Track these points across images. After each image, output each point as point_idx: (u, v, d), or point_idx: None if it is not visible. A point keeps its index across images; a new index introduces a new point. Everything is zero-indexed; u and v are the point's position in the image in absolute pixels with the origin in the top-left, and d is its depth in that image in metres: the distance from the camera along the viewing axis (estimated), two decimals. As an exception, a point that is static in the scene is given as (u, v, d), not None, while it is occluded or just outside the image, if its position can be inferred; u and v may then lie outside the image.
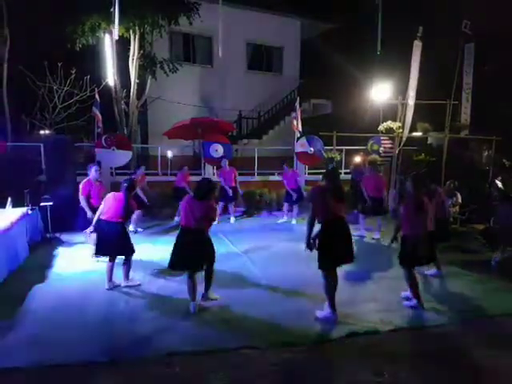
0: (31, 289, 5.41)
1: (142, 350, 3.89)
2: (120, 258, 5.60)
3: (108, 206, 5.43)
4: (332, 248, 4.50)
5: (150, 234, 8.85)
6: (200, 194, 4.75)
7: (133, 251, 5.58)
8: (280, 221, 10.22)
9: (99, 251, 5.50)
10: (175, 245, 4.80)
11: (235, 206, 10.58)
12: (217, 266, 5.90)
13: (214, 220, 4.89)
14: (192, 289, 4.78)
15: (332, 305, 4.57)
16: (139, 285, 5.63)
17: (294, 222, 10.08)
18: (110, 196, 5.52)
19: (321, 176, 4.98)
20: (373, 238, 8.55)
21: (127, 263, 5.58)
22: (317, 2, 17.35)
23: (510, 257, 6.85)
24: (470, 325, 4.59)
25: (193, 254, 4.71)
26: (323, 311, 4.61)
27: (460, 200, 9.47)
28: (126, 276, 5.61)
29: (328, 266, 4.55)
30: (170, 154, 10.68)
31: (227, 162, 10.15)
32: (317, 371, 3.61)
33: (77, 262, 6.66)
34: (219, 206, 10.02)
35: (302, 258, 6.96)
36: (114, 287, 5.50)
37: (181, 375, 3.52)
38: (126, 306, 4.96)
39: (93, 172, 6.88)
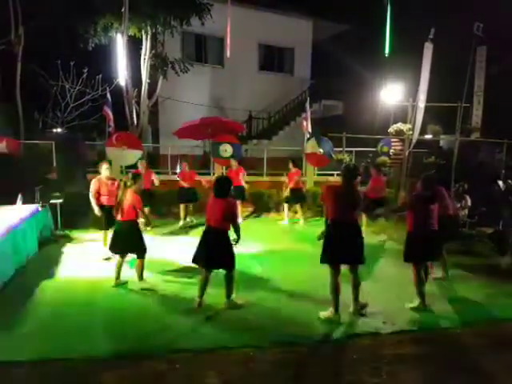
0: (39, 284, 5.49)
1: (143, 346, 3.94)
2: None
3: (122, 205, 5.44)
4: (331, 246, 4.59)
5: (156, 233, 8.90)
6: (217, 191, 4.79)
7: (145, 250, 5.55)
8: (282, 222, 10.18)
9: (112, 248, 5.56)
10: (199, 241, 4.89)
11: (243, 207, 10.56)
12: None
13: (234, 219, 4.83)
14: (202, 286, 4.86)
15: (334, 305, 4.58)
16: (152, 289, 5.49)
17: (301, 222, 10.07)
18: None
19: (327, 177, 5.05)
20: (380, 241, 8.52)
21: (140, 263, 5.54)
22: (328, 3, 17.31)
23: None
24: (473, 329, 4.57)
25: (211, 254, 4.77)
26: (326, 311, 4.62)
27: (469, 203, 9.39)
28: (141, 276, 5.55)
29: (324, 261, 4.66)
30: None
31: (235, 162, 10.17)
32: (317, 371, 3.62)
33: (85, 258, 6.75)
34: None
35: (307, 258, 6.99)
36: (120, 284, 5.55)
37: (181, 372, 3.55)
38: (130, 303, 5.02)
39: (102, 170, 6.90)
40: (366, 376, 3.54)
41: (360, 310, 4.75)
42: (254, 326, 4.39)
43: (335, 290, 4.60)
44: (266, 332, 4.26)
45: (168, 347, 3.91)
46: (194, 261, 4.90)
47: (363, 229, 8.65)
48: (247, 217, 10.90)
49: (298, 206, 10.12)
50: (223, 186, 4.82)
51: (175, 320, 4.54)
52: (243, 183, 10.00)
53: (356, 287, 4.74)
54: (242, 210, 10.41)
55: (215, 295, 5.03)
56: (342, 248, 4.57)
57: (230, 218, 4.77)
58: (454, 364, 3.83)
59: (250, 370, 3.58)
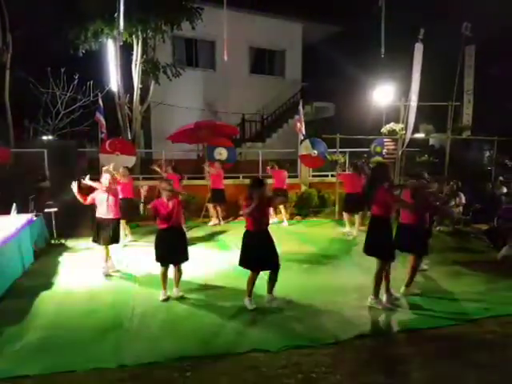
0: (37, 295, 5.40)
1: (151, 354, 3.88)
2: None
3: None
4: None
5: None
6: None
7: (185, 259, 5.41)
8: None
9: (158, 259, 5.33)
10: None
11: (223, 210, 10.43)
12: (224, 269, 5.93)
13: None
14: (253, 284, 5.01)
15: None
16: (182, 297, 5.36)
17: (285, 224, 10.13)
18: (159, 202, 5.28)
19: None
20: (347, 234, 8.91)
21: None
22: (319, 5, 17.37)
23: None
24: (477, 324, 4.59)
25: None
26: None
27: (464, 200, 9.51)
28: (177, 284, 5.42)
29: None
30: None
31: (218, 165, 10.17)
32: (326, 374, 3.60)
33: (82, 267, 6.65)
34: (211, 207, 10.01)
35: (309, 262, 6.98)
36: (168, 299, 5.26)
37: (192, 380, 3.51)
38: (133, 310, 4.95)
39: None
40: (375, 376, 3.53)
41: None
42: (262, 331, 4.37)
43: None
44: (273, 336, 4.24)
45: (177, 355, 3.85)
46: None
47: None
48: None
49: (282, 207, 10.14)
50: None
51: (181, 326, 4.50)
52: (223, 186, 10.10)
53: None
54: (222, 214, 10.34)
55: (214, 298, 4.99)
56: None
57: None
58: (459, 360, 3.84)
59: (259, 375, 3.55)
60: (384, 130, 11.62)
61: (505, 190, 9.86)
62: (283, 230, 9.70)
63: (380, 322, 4.56)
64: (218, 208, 10.21)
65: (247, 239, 4.94)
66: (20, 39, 12.22)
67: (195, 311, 4.87)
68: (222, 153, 11.01)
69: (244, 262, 4.98)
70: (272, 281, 5.08)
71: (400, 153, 11.58)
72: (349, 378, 3.53)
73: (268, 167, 10.44)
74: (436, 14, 13.76)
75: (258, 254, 4.86)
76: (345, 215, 9.19)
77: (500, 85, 12.80)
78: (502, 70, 12.84)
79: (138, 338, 4.22)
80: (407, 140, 11.51)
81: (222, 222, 10.22)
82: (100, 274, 6.24)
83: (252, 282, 4.97)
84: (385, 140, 11.69)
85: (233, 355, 3.87)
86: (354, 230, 8.91)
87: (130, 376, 3.56)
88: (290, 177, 12.78)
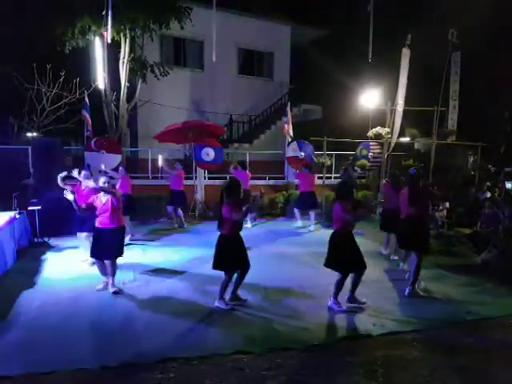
0: (20, 294, 5.31)
1: (135, 355, 3.84)
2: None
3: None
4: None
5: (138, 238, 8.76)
6: (339, 194, 4.98)
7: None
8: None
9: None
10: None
11: (184, 211, 10.21)
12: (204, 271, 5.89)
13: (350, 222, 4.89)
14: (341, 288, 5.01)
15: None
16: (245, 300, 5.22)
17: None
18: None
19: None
20: (309, 231, 9.72)
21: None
22: (307, 9, 17.46)
23: (496, 256, 7.00)
24: (458, 328, 4.65)
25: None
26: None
27: (447, 204, 9.65)
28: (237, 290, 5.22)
29: None
30: (160, 159, 10.46)
31: (180, 166, 9.96)
32: (310, 376, 3.61)
33: (66, 266, 6.57)
34: (170, 210, 9.78)
35: (294, 262, 7.02)
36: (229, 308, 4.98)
37: (175, 381, 3.48)
38: (117, 310, 4.90)
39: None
40: (358, 379, 3.55)
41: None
42: (246, 332, 4.35)
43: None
44: (258, 338, 4.23)
45: (160, 355, 3.82)
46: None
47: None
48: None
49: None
50: (338, 190, 5.04)
51: (166, 327, 4.46)
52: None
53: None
54: (183, 216, 10.09)
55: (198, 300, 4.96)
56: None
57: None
58: (442, 363, 3.89)
59: (243, 377, 3.54)
60: (370, 133, 11.75)
61: (488, 194, 10.02)
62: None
63: (363, 325, 4.58)
64: (180, 211, 9.90)
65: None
66: (6, 34, 12.00)
67: (180, 313, 4.83)
68: (209, 153, 10.98)
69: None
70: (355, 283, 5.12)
71: (385, 156, 11.72)
72: (331, 380, 3.54)
73: (231, 167, 10.18)
74: (423, 21, 13.95)
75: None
76: (297, 212, 10.01)
77: (485, 91, 13.04)
78: (487, 76, 13.08)
79: (121, 339, 4.18)
80: (393, 144, 11.65)
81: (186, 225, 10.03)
82: (84, 273, 6.18)
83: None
84: (371, 143, 11.82)
85: (217, 357, 3.85)
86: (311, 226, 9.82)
87: (113, 377, 3.52)
88: (276, 178, 12.92)
